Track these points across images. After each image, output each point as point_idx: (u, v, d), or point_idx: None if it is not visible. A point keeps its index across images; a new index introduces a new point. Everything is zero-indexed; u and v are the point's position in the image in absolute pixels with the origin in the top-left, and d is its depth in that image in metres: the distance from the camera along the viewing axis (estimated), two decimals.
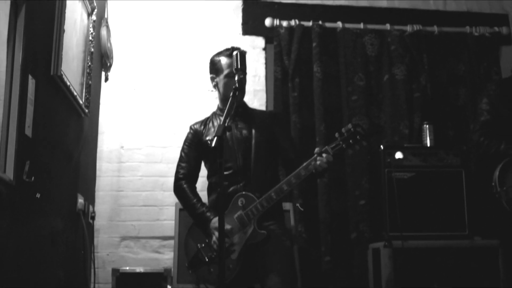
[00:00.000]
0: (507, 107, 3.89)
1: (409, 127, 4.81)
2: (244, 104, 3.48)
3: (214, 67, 3.40)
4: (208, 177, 3.43)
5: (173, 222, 4.09)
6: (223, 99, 3.36)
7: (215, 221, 3.11)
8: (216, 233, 3.04)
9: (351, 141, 3.07)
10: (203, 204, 3.28)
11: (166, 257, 4.54)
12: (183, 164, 3.42)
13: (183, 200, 3.38)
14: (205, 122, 3.46)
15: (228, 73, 3.29)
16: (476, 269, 3.92)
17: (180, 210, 4.03)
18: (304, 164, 3.10)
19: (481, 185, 4.13)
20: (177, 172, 3.42)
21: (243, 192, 3.18)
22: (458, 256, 3.96)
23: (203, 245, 3.20)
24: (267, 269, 3.09)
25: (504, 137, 3.85)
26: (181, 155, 3.46)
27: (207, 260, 3.15)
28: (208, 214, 3.19)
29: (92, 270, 4.23)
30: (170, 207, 4.52)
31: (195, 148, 3.42)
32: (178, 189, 3.40)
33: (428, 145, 4.47)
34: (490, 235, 4.08)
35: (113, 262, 4.50)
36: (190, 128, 3.51)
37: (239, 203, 3.17)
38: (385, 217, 4.14)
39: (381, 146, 4.28)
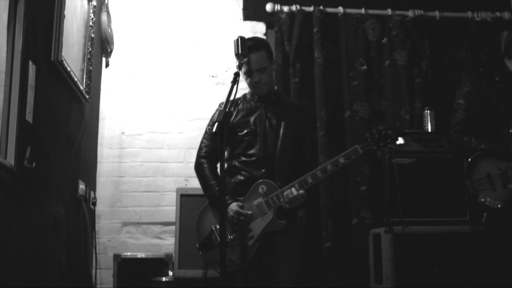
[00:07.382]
0: (481, 103, 3.85)
1: (410, 113, 4.80)
2: (277, 93, 3.39)
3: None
4: (227, 160, 3.30)
5: (174, 208, 4.09)
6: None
7: (234, 205, 3.06)
8: (234, 216, 3.02)
9: (381, 143, 3.08)
10: None
11: (167, 243, 4.56)
12: (206, 142, 3.33)
13: (202, 179, 3.27)
14: (236, 103, 3.32)
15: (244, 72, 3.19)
16: (476, 254, 3.92)
17: (181, 195, 4.03)
18: (336, 157, 3.06)
19: None
20: (199, 149, 3.34)
21: (265, 179, 3.11)
22: (459, 242, 3.96)
23: (218, 226, 3.06)
24: (277, 263, 3.06)
25: (478, 132, 3.83)
26: (205, 132, 3.36)
27: None
28: (227, 197, 3.09)
29: (94, 256, 4.24)
30: (171, 193, 4.53)
31: None
32: (198, 167, 3.30)
33: (429, 130, 4.47)
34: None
35: (115, 247, 4.51)
36: (220, 105, 3.36)
37: (260, 190, 3.10)
38: (386, 202, 4.14)
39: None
